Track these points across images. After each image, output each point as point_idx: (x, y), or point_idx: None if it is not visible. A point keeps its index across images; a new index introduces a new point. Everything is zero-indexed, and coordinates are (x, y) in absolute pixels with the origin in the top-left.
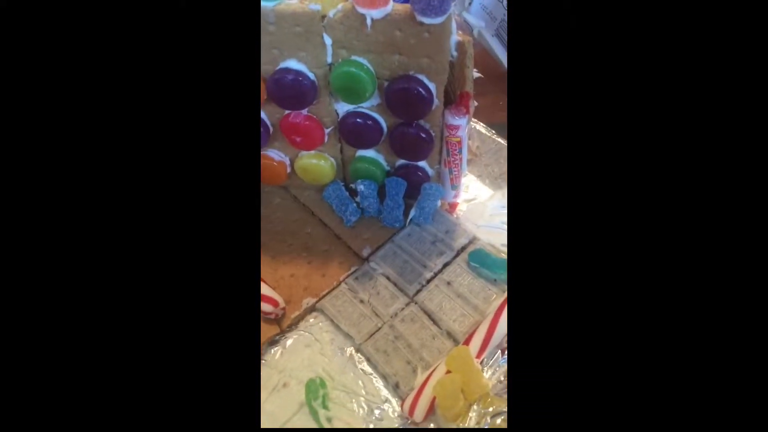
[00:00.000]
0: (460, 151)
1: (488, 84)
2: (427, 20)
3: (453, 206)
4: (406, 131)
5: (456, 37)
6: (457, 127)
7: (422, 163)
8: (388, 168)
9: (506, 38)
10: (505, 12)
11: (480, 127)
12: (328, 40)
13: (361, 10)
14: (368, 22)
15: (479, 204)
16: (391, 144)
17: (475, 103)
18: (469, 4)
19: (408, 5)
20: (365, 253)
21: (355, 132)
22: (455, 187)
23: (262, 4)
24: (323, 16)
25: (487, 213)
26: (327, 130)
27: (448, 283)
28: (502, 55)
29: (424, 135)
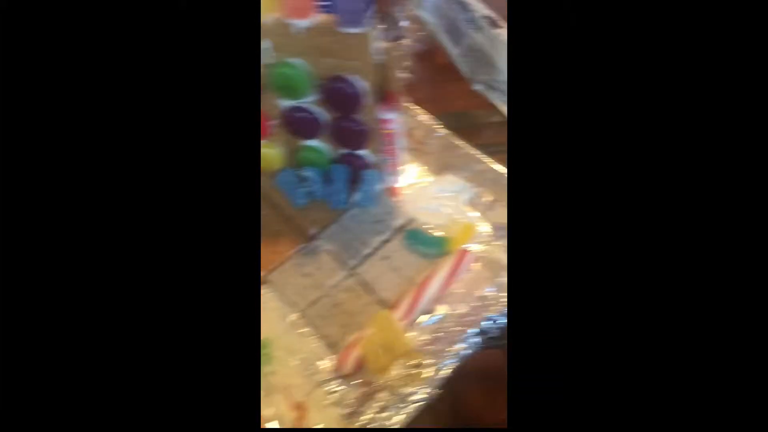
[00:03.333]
0: (395, 142)
1: (437, 75)
2: (346, 30)
3: (395, 190)
4: (342, 124)
5: (382, 43)
6: (388, 121)
7: (363, 152)
8: (332, 156)
9: (457, 36)
10: (457, 13)
11: (424, 118)
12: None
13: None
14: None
15: (420, 188)
16: (332, 135)
17: (405, 99)
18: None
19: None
20: (312, 231)
21: (295, 124)
22: (394, 173)
23: None
24: None
25: (427, 197)
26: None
27: (385, 258)
28: (451, 48)
29: (358, 128)
